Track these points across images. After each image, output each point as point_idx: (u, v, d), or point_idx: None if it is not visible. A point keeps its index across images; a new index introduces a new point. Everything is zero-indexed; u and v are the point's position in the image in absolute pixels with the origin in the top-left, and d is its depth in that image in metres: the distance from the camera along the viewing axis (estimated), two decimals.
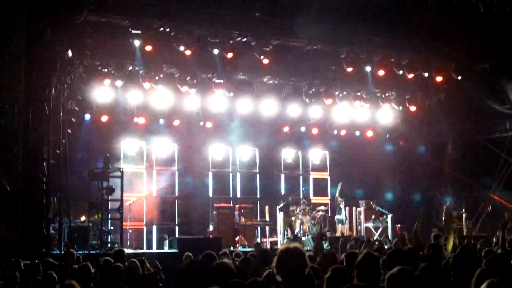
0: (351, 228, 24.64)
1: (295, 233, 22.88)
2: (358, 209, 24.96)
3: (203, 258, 9.01)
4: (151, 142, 24.36)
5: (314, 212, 24.39)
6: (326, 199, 27.18)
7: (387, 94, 26.34)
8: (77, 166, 21.06)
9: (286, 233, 22.96)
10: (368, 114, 26.48)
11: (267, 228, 23.36)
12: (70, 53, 19.06)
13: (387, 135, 26.56)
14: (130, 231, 21.75)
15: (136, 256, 13.44)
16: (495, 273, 6.80)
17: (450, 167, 26.26)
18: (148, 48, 21.16)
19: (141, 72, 22.03)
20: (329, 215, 25.17)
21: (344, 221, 24.17)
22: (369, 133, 27.68)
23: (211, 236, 22.23)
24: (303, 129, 26.82)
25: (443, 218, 23.61)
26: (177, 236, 22.58)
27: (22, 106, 16.88)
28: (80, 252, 16.99)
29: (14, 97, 16.75)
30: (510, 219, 22.18)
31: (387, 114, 26.82)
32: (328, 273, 7.69)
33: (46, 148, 17.54)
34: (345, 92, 25.64)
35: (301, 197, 25.92)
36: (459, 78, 25.46)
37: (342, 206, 24.26)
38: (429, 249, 10.47)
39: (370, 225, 23.81)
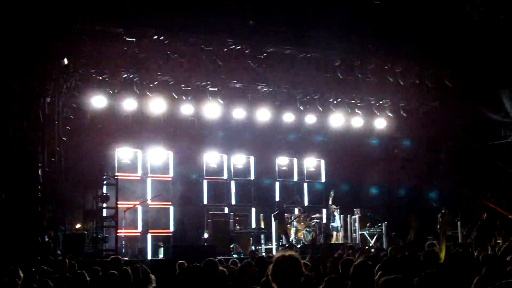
0: (346, 236, 24.63)
1: (290, 241, 22.88)
2: (353, 216, 24.97)
3: (205, 265, 8.97)
4: (146, 149, 24.36)
5: (308, 219, 24.41)
6: (321, 207, 27.20)
7: (381, 102, 26.37)
8: (72, 174, 21.03)
9: (281, 240, 22.96)
10: (363, 122, 26.49)
11: (262, 235, 23.34)
12: (66, 61, 19.05)
13: (382, 143, 26.62)
14: (125, 239, 21.68)
15: (131, 263, 13.41)
16: (494, 280, 6.82)
17: (445, 174, 26.30)
18: (143, 56, 21.21)
19: (135, 80, 22.03)
20: (324, 222, 25.15)
21: (339, 228, 24.17)
22: (364, 141, 27.69)
23: (206, 244, 22.24)
24: (297, 136, 26.84)
25: (438, 226, 23.65)
26: (171, 243, 22.56)
27: (17, 114, 16.87)
28: (75, 260, 17.01)
29: (9, 105, 16.75)
30: (503, 227, 22.25)
31: (381, 122, 26.85)
32: (323, 284, 7.70)
33: (41, 156, 17.52)
34: (339, 100, 25.68)
35: (296, 204, 25.92)
36: (453, 85, 25.54)
37: (336, 213, 24.27)
38: (424, 257, 10.49)
39: (365, 232, 23.82)
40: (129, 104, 22.58)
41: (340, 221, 24.21)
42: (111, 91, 22.11)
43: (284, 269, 5.77)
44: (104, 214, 20.39)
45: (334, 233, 24.21)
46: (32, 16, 17.10)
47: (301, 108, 25.35)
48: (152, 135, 24.18)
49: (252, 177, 26.61)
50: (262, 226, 23.72)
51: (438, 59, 24.69)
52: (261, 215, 24.31)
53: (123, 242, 21.26)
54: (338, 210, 24.54)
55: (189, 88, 23.23)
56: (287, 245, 21.84)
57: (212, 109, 23.67)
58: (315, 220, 24.27)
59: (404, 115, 26.79)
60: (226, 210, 25.11)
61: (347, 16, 21.89)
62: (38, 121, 17.47)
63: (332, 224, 24.45)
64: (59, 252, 17.67)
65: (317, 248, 20.88)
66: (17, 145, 16.81)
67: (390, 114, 26.64)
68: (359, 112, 26.07)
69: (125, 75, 22.08)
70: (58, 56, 18.48)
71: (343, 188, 27.51)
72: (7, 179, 16.45)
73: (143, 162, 24.36)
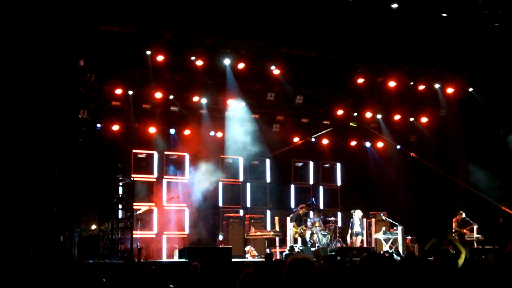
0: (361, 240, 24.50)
1: (306, 244, 22.78)
2: (368, 220, 24.84)
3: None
4: (162, 151, 24.38)
5: (324, 223, 24.32)
6: (337, 210, 27.15)
7: (399, 105, 26.31)
8: (88, 175, 21.11)
9: (296, 244, 22.88)
10: (379, 125, 26.44)
11: (277, 238, 23.29)
12: (82, 62, 19.13)
13: (398, 147, 26.52)
14: (140, 240, 21.71)
15: (146, 265, 13.44)
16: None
17: (461, 178, 26.13)
18: (160, 58, 21.28)
19: (152, 81, 22.09)
20: (339, 226, 25.03)
21: (354, 232, 23.98)
22: (380, 144, 27.61)
23: (221, 246, 22.23)
24: (314, 139, 26.77)
25: (453, 230, 23.52)
26: (187, 246, 22.55)
27: (35, 115, 16.93)
28: (91, 261, 17.06)
29: (27, 106, 16.82)
30: None
31: (398, 125, 26.79)
32: None
33: (57, 157, 17.58)
34: (356, 103, 25.64)
35: (312, 208, 25.84)
36: (471, 89, 25.47)
37: (356, 218, 24.01)
38: (441, 260, 10.43)
39: (380, 236, 23.68)
40: (145, 106, 22.66)
41: (361, 225, 24.05)
42: (128, 92, 22.23)
43: (299, 272, 5.75)
44: (120, 216, 20.43)
45: (354, 237, 24.02)
46: (49, 19, 17.16)
47: (318, 110, 25.34)
48: (168, 137, 24.23)
49: (268, 179, 26.56)
50: (277, 228, 23.65)
51: (455, 62, 24.68)
52: (277, 218, 24.24)
53: (139, 244, 21.29)
54: (355, 213, 24.39)
55: (206, 90, 23.32)
56: (288, 248, 21.74)
57: (228, 111, 23.72)
58: (331, 224, 24.14)
59: (421, 118, 26.75)
60: (241, 212, 25.08)
61: (365, 19, 21.93)
62: (55, 122, 17.53)
63: (353, 229, 24.19)
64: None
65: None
66: (34, 147, 16.88)
67: (407, 117, 26.61)
68: (375, 115, 26.03)
69: (142, 77, 22.16)
70: (75, 58, 18.53)
71: (358, 191, 27.43)
72: (24, 181, 16.51)
73: (159, 163, 24.37)
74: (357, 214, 24.05)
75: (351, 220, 24.04)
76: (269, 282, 9.35)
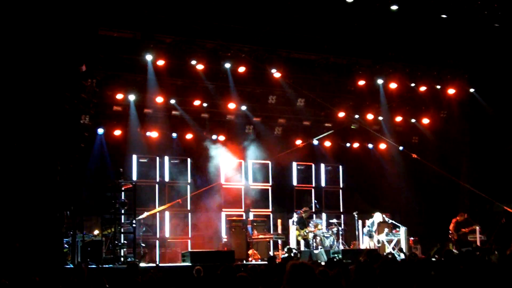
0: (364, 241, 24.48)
1: (310, 246, 22.77)
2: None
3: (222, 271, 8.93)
4: (163, 156, 24.40)
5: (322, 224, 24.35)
6: (339, 212, 27.12)
7: (400, 107, 26.30)
8: (90, 180, 21.13)
9: (298, 247, 22.88)
10: (381, 127, 26.44)
11: (279, 241, 23.29)
12: (84, 67, 19.16)
13: (400, 148, 26.52)
14: (144, 245, 21.72)
15: (148, 270, 13.45)
16: None
17: (463, 179, 26.11)
18: (161, 62, 21.30)
19: (153, 86, 22.11)
20: (342, 228, 25.02)
21: (371, 234, 23.95)
22: (382, 146, 27.61)
23: (224, 250, 22.24)
24: (315, 142, 26.77)
25: (449, 232, 23.47)
26: (190, 249, 22.57)
27: (36, 121, 16.95)
28: (93, 266, 17.07)
29: (28, 112, 16.83)
30: None
31: (400, 127, 26.79)
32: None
33: (59, 162, 17.59)
34: (358, 105, 25.63)
35: (314, 210, 25.83)
36: (472, 90, 25.45)
37: (374, 220, 23.97)
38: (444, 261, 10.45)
39: (383, 238, 23.66)
40: (146, 110, 22.70)
41: (372, 227, 24.03)
42: (129, 97, 22.26)
43: (299, 278, 5.76)
44: (122, 220, 20.44)
45: (367, 238, 23.99)
46: (49, 24, 17.18)
47: (319, 113, 25.35)
48: (170, 141, 24.26)
49: (270, 182, 26.55)
50: (280, 232, 23.66)
51: (456, 63, 24.67)
52: (279, 221, 24.26)
53: (141, 248, 21.32)
54: (356, 215, 24.40)
55: (207, 94, 23.33)
56: (286, 249, 21.73)
57: (230, 115, 23.73)
58: (333, 226, 24.12)
59: (423, 119, 26.74)
60: (244, 216, 25.06)
61: (365, 22, 21.93)
62: (56, 128, 17.55)
63: (369, 230, 24.14)
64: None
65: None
66: (35, 152, 16.89)
67: (408, 119, 26.62)
68: (377, 117, 26.03)
69: (143, 81, 22.18)
70: (76, 63, 18.55)
71: (361, 193, 27.42)
72: (26, 186, 16.52)
73: (161, 168, 24.37)
74: (378, 217, 23.96)
75: (372, 222, 23.93)
76: (271, 284, 9.38)
